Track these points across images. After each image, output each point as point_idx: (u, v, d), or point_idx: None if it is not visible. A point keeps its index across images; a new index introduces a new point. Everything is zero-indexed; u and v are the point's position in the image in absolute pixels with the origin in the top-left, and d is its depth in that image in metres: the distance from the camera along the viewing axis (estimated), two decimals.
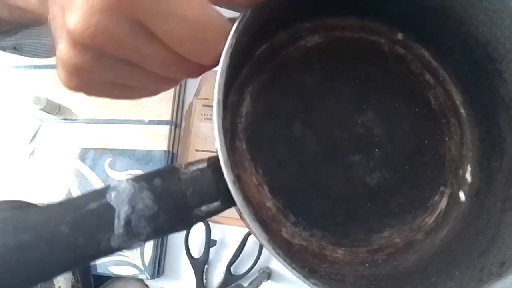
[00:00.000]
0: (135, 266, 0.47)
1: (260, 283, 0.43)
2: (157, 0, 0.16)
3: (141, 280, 0.48)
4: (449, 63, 0.27)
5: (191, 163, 0.18)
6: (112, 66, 0.18)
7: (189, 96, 0.52)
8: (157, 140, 0.49)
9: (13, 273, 0.14)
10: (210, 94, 0.51)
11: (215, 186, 0.17)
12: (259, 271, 0.46)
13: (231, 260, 0.46)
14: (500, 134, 0.24)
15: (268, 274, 0.45)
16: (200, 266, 0.46)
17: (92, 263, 0.47)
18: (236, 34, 0.18)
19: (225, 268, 0.46)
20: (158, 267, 0.47)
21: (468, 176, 0.27)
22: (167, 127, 0.49)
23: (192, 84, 0.52)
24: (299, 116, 0.27)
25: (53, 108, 0.51)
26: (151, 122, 0.50)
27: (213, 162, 0.17)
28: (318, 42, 0.28)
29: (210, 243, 0.46)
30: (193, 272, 0.46)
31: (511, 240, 0.20)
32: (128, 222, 0.15)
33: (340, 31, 0.28)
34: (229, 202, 0.17)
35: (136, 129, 0.49)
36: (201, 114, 0.51)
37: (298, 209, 0.26)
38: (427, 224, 0.26)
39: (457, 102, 0.28)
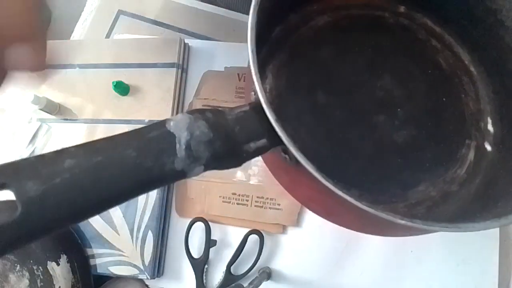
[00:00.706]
0: (135, 266, 0.47)
1: (260, 283, 0.43)
2: None
3: (141, 280, 0.48)
4: (452, 27, 0.29)
5: (234, 108, 0.18)
6: None
7: (189, 96, 0.52)
8: None
9: (87, 193, 0.14)
10: (210, 94, 0.51)
11: (260, 124, 0.18)
12: (259, 271, 0.46)
13: (231, 260, 0.46)
14: (510, 87, 0.25)
15: (268, 274, 0.45)
16: (200, 266, 0.46)
17: (92, 263, 0.47)
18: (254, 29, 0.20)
19: (225, 268, 0.46)
20: (158, 267, 0.47)
21: (490, 127, 0.28)
22: None
23: (192, 84, 0.52)
24: (320, 86, 0.29)
25: (53, 108, 0.51)
26: (151, 122, 0.50)
27: (254, 105, 0.18)
28: (327, 21, 0.30)
29: (210, 243, 0.46)
30: (193, 272, 0.46)
31: None
32: (188, 146, 0.16)
33: (346, 10, 0.30)
34: (275, 139, 0.17)
35: None
36: None
37: (332, 172, 0.25)
38: (459, 176, 0.28)
39: (466, 62, 0.30)
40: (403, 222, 0.17)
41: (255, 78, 0.18)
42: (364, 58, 0.29)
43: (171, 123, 0.17)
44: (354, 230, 0.25)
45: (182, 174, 0.16)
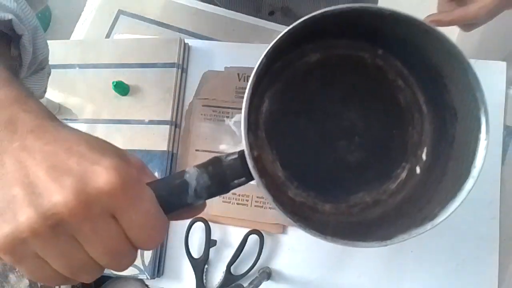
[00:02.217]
0: (135, 266, 0.47)
1: (260, 283, 0.43)
2: (132, 200, 0.21)
3: (141, 280, 0.48)
4: (415, 72, 0.36)
5: (228, 155, 0.28)
6: (62, 243, 0.20)
7: (189, 96, 0.52)
8: (157, 140, 0.49)
9: None
10: (210, 94, 0.51)
11: (242, 169, 0.27)
12: (259, 271, 0.46)
13: (231, 260, 0.46)
14: (446, 129, 0.33)
15: (268, 274, 0.45)
16: (200, 266, 0.46)
17: None
18: (255, 77, 0.28)
19: (225, 268, 0.46)
20: (158, 267, 0.47)
21: (424, 156, 0.36)
22: (167, 127, 0.49)
23: (192, 84, 0.52)
24: (303, 113, 0.37)
25: (53, 108, 0.51)
26: (151, 122, 0.50)
27: (241, 154, 0.27)
28: (318, 58, 0.37)
29: (210, 243, 0.46)
30: (193, 272, 0.46)
31: (437, 201, 0.30)
32: (195, 190, 0.26)
33: (335, 49, 0.37)
34: (250, 178, 0.27)
35: (136, 129, 0.49)
36: (201, 114, 0.51)
37: (299, 178, 0.37)
38: (390, 189, 0.37)
39: (420, 101, 0.36)
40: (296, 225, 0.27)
41: (244, 138, 0.27)
42: (340, 92, 0.37)
43: (187, 175, 0.26)
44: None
45: (190, 205, 0.26)
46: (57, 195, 0.19)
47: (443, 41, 0.29)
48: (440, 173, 0.33)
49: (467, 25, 0.43)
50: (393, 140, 0.37)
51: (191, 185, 0.25)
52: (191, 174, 0.26)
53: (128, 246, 0.22)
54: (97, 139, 0.23)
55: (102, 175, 0.20)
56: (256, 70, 0.28)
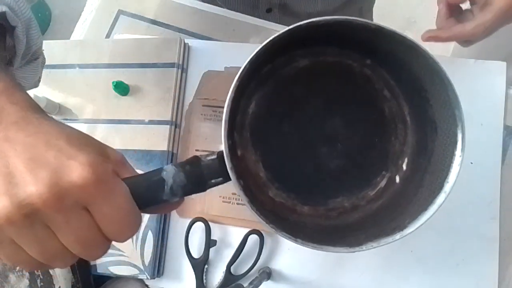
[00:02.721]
0: (135, 266, 0.47)
1: (260, 283, 0.43)
2: (104, 195, 0.22)
3: (141, 280, 0.48)
4: (401, 84, 0.37)
5: (208, 155, 0.28)
6: (36, 231, 0.22)
7: (189, 96, 0.52)
8: (157, 140, 0.49)
9: None
10: (210, 94, 0.51)
11: (220, 169, 0.28)
12: (259, 271, 0.46)
13: (231, 260, 0.46)
14: (426, 142, 0.34)
15: (268, 274, 0.45)
16: (200, 266, 0.46)
17: (92, 263, 0.47)
18: (238, 82, 0.29)
19: (225, 268, 0.46)
20: (158, 267, 0.47)
21: (404, 166, 0.37)
22: (167, 127, 0.49)
23: (192, 84, 0.52)
24: (287, 117, 0.38)
25: (53, 108, 0.51)
26: (151, 122, 0.50)
27: (221, 155, 0.28)
28: (306, 64, 0.38)
29: (210, 243, 0.46)
30: (193, 272, 0.46)
31: (410, 212, 0.31)
32: (171, 188, 0.26)
33: (324, 56, 0.37)
34: (227, 178, 0.28)
35: (136, 129, 0.49)
36: (201, 114, 0.51)
37: (281, 179, 0.38)
38: (369, 196, 0.37)
39: (405, 113, 0.37)
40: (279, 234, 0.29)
41: (223, 140, 0.28)
42: (326, 99, 0.38)
43: (164, 173, 0.26)
44: None
45: (165, 201, 0.26)
46: (32, 186, 0.20)
47: (426, 57, 0.30)
48: (416, 185, 0.34)
49: (465, 41, 0.45)
50: (375, 149, 0.37)
51: (168, 182, 0.26)
52: (168, 172, 0.26)
53: (100, 237, 0.23)
54: (79, 133, 0.24)
55: (76, 170, 0.21)
56: (239, 75, 0.29)
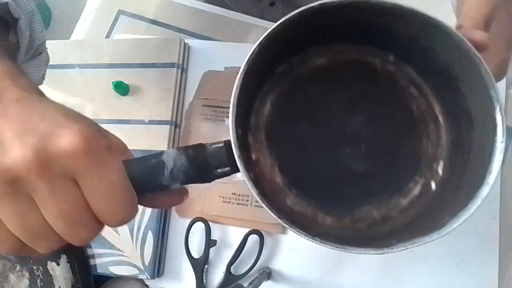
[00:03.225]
0: (135, 266, 0.47)
1: (260, 283, 0.43)
2: (96, 165, 0.20)
3: (141, 280, 0.48)
4: (429, 79, 0.34)
5: (214, 143, 0.26)
6: (18, 201, 0.20)
7: (189, 96, 0.52)
8: (157, 140, 0.49)
9: None
10: (210, 94, 0.51)
11: (227, 157, 0.26)
12: (259, 271, 0.46)
13: (231, 260, 0.46)
14: (462, 139, 0.31)
15: (268, 274, 0.45)
16: (200, 266, 0.46)
17: (92, 263, 0.47)
18: (247, 65, 0.27)
19: (225, 268, 0.46)
20: (158, 267, 0.47)
21: (440, 170, 0.33)
22: (167, 127, 0.49)
23: (192, 84, 0.52)
24: (304, 118, 0.35)
25: None
26: (151, 122, 0.50)
27: (227, 143, 0.26)
28: (324, 62, 0.35)
29: (210, 243, 0.46)
30: (193, 272, 0.46)
31: (448, 214, 0.27)
32: (171, 172, 0.24)
33: (343, 54, 0.35)
34: (235, 169, 0.26)
35: (136, 129, 0.49)
36: (201, 114, 0.51)
37: (299, 185, 0.34)
38: (401, 205, 0.33)
39: (436, 111, 0.34)
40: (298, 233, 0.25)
41: (231, 126, 0.26)
42: (345, 98, 0.35)
43: (164, 155, 0.24)
44: None
45: (166, 188, 0.24)
46: (18, 151, 0.19)
47: (452, 36, 0.27)
48: (455, 187, 0.30)
49: None
50: (405, 151, 0.34)
51: (168, 165, 0.24)
52: (169, 154, 0.24)
53: (88, 215, 0.21)
54: (79, 113, 0.23)
55: (67, 137, 0.20)
56: (249, 58, 0.27)
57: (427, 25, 0.27)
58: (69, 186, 0.20)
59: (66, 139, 0.20)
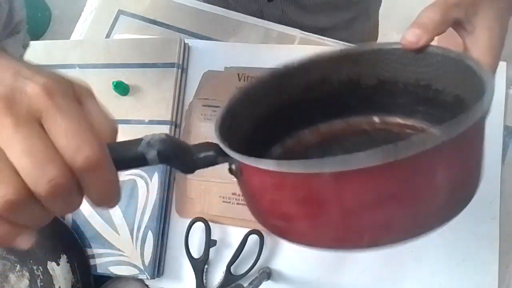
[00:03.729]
0: (135, 266, 0.47)
1: (260, 283, 0.43)
2: (61, 106, 0.21)
3: (141, 280, 0.48)
4: (420, 116, 0.35)
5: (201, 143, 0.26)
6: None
7: (189, 96, 0.52)
8: None
9: None
10: (210, 94, 0.51)
11: (209, 144, 0.26)
12: (259, 271, 0.46)
13: (231, 260, 0.46)
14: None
15: (268, 274, 0.45)
16: (200, 266, 0.46)
17: (92, 263, 0.47)
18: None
19: (225, 268, 0.46)
20: (158, 267, 0.47)
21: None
22: (167, 127, 0.49)
23: (192, 84, 0.52)
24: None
25: None
26: (151, 122, 0.50)
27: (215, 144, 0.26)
28: (317, 140, 0.38)
29: (210, 243, 0.46)
30: (193, 272, 0.46)
31: None
32: (149, 142, 0.24)
33: (331, 130, 0.38)
34: (219, 152, 0.25)
35: (136, 129, 0.49)
36: (201, 114, 0.51)
37: None
38: None
39: (435, 129, 0.34)
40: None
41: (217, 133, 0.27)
42: (343, 153, 0.36)
43: (148, 136, 0.25)
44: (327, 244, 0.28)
45: (141, 154, 0.24)
46: None
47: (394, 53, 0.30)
48: None
49: None
50: None
51: (146, 139, 0.25)
52: (149, 135, 0.25)
53: (53, 152, 0.21)
54: (41, 66, 0.24)
55: (31, 84, 0.21)
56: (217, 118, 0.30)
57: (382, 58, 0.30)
58: (34, 125, 0.21)
59: (31, 85, 0.21)
